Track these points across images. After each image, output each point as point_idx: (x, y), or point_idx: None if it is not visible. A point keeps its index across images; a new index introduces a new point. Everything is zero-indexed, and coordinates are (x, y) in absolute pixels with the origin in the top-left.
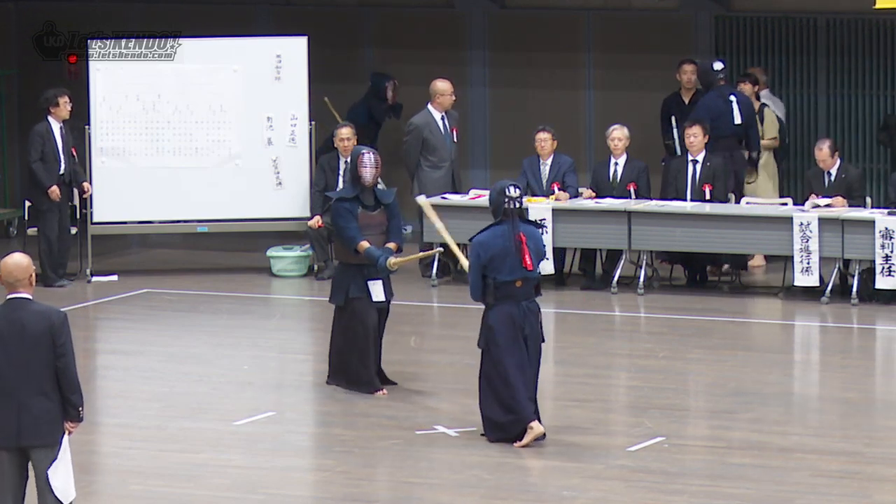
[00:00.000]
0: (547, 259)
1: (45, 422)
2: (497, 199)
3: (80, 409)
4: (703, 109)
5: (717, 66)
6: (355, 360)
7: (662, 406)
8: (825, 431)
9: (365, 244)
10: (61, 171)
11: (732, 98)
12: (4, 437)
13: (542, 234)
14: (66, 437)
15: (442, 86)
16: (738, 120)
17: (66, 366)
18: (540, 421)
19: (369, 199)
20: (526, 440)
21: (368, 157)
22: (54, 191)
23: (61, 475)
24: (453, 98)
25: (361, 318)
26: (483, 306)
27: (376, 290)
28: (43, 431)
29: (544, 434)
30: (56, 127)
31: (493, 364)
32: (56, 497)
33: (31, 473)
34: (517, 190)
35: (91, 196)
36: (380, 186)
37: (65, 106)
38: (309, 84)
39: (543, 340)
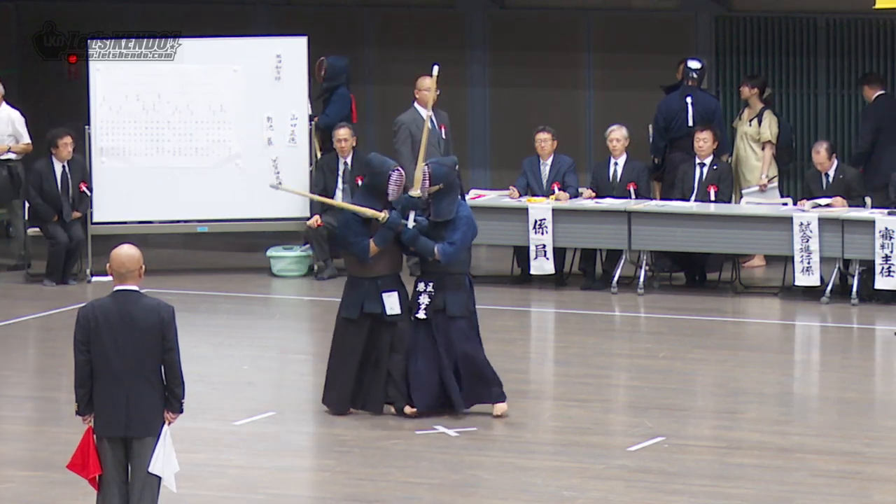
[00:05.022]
0: (547, 259)
1: (151, 413)
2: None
3: (183, 401)
4: (661, 109)
5: (693, 64)
6: (347, 375)
7: (662, 406)
8: (825, 431)
9: (372, 244)
10: (61, 210)
11: (688, 99)
12: (113, 427)
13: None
14: (166, 426)
15: (421, 82)
16: (690, 122)
17: (172, 360)
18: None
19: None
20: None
21: (398, 176)
22: (55, 219)
23: (168, 466)
24: (432, 94)
25: (374, 335)
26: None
27: (391, 302)
28: (148, 423)
29: None
30: (58, 167)
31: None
32: (156, 487)
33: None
34: None
35: (91, 196)
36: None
37: (64, 148)
38: (309, 84)
39: None
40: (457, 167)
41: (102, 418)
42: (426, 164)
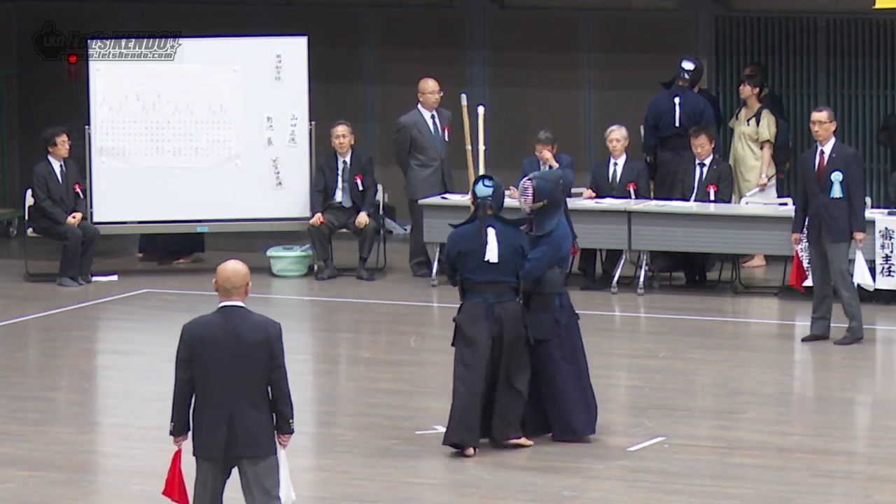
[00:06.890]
0: None
1: (257, 432)
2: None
3: (292, 420)
4: (650, 108)
5: (686, 65)
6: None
7: (662, 406)
8: (825, 431)
9: None
10: (66, 211)
11: (676, 100)
12: (212, 448)
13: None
14: (282, 451)
15: (424, 84)
16: (676, 122)
17: (279, 378)
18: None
19: None
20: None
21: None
22: (71, 221)
23: (283, 490)
24: (438, 96)
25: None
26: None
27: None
28: (255, 443)
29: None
30: (56, 166)
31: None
32: None
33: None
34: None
35: (91, 196)
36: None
37: (62, 145)
38: (309, 84)
39: None
40: (562, 182)
41: (203, 438)
42: (530, 179)
